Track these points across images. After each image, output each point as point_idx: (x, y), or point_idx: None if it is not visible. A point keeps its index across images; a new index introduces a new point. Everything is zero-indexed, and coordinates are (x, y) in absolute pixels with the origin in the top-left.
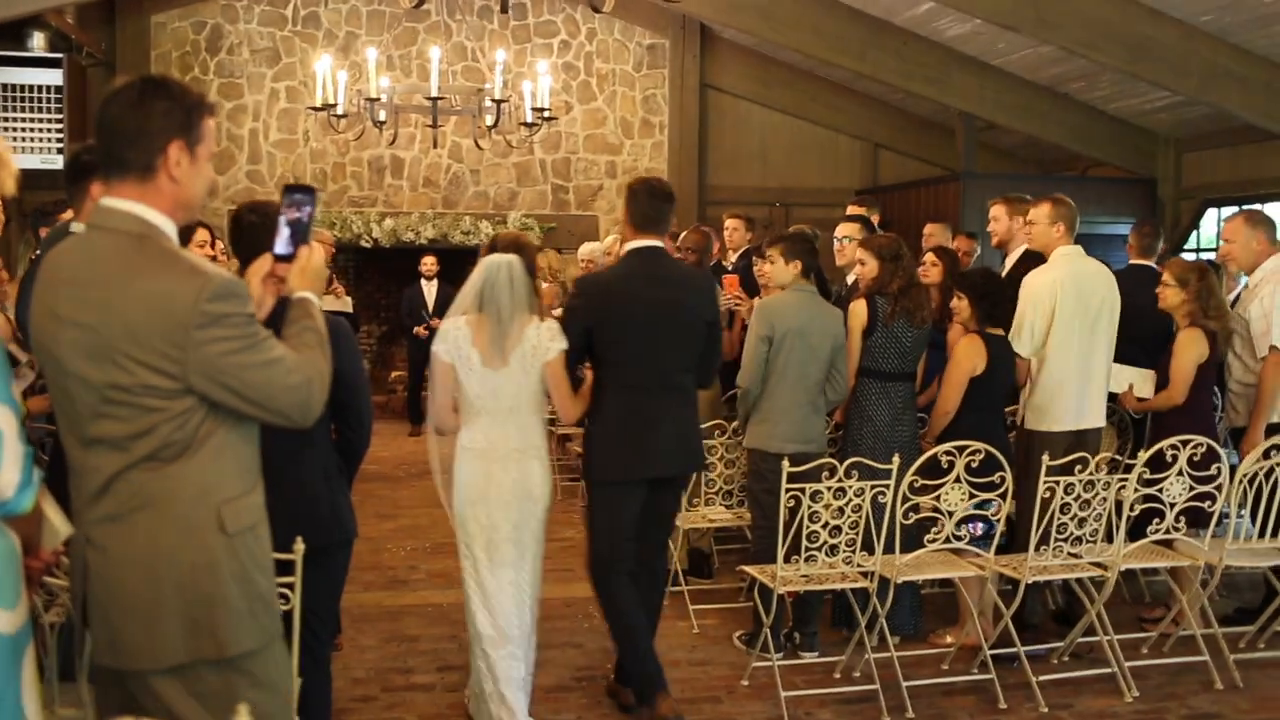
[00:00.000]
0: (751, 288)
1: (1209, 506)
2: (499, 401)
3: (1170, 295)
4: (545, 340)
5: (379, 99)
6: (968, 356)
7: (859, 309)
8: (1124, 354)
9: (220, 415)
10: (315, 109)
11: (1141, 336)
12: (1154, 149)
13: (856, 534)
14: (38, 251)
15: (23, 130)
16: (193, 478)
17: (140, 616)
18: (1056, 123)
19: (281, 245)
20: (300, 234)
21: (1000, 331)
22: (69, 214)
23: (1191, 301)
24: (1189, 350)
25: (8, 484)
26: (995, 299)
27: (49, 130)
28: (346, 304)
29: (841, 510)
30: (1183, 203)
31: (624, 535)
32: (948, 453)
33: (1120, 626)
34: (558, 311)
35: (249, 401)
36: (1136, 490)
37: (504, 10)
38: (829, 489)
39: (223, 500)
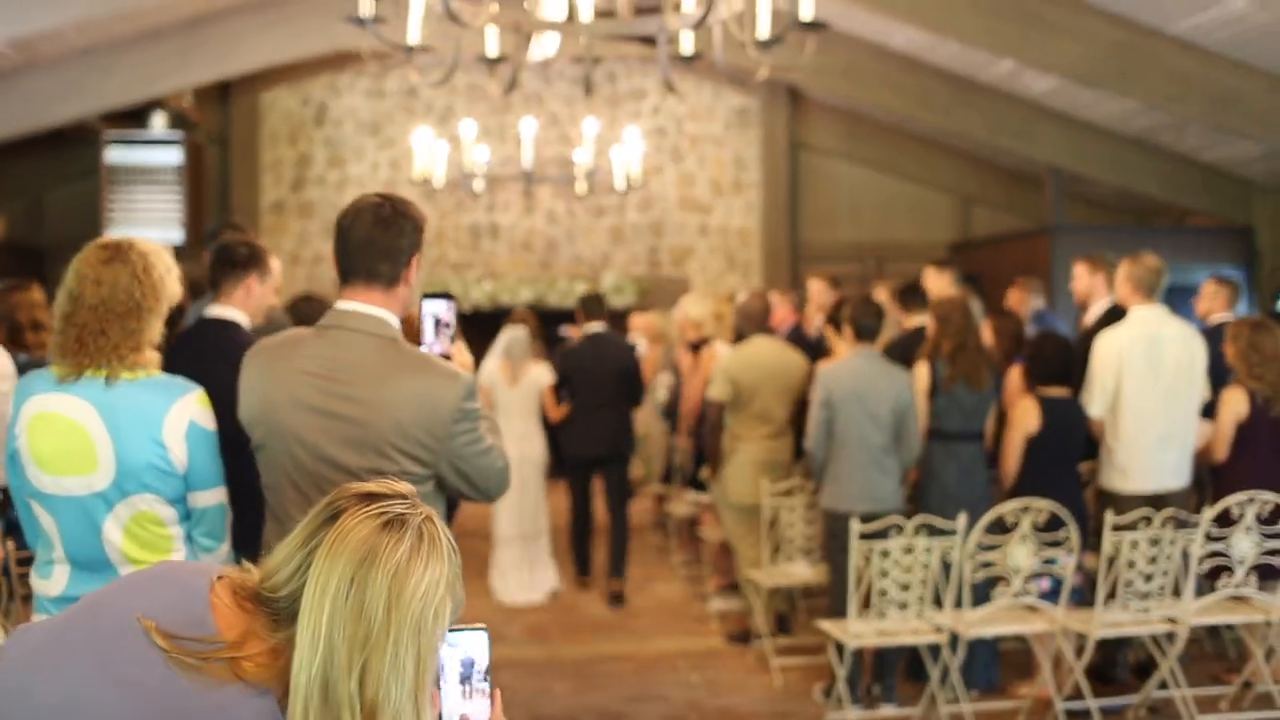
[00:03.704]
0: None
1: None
2: (513, 406)
3: (1228, 352)
4: (543, 375)
5: (473, 174)
6: (1021, 419)
7: (920, 372)
8: None
9: (437, 493)
10: (414, 182)
11: None
12: (1250, 197)
13: (926, 590)
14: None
15: (146, 207)
16: None
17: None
18: (1148, 173)
19: (438, 345)
20: (450, 333)
21: (1061, 391)
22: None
23: (1238, 359)
24: (1225, 408)
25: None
26: (1047, 361)
27: (169, 206)
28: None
29: (910, 567)
30: None
31: (585, 490)
32: (1013, 511)
33: (1201, 682)
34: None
35: (470, 483)
36: (1203, 546)
37: (588, 93)
38: (898, 547)
39: None
